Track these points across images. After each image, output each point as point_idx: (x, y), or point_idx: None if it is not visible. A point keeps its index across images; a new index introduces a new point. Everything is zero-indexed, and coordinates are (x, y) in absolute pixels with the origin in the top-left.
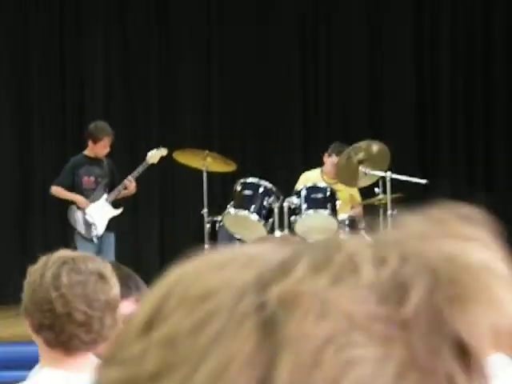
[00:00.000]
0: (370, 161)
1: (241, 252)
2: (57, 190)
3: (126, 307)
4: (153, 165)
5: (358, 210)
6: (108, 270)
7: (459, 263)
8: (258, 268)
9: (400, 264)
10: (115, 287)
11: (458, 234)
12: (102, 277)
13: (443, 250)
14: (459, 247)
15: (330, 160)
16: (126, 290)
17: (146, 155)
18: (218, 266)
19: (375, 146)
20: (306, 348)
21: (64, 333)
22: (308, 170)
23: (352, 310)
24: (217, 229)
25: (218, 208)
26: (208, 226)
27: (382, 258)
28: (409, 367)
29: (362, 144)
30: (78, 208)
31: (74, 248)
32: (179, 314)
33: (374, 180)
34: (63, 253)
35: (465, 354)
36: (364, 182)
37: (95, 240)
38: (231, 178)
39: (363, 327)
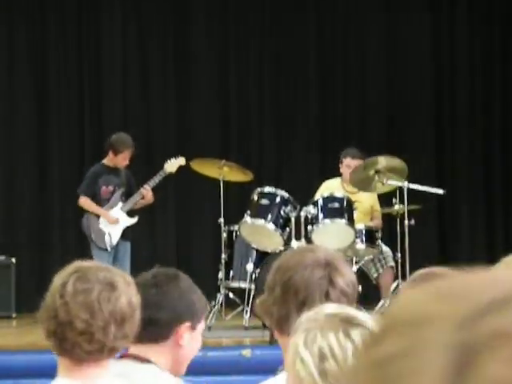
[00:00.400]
0: (388, 172)
1: (466, 282)
2: (86, 202)
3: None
4: (170, 174)
5: (377, 221)
6: (123, 280)
7: None
8: (480, 300)
9: None
10: (126, 297)
11: None
12: (111, 286)
13: None
14: None
15: (345, 163)
16: (205, 300)
17: (163, 165)
18: (441, 295)
19: (393, 161)
20: None
21: (66, 341)
22: (328, 178)
23: None
24: (233, 238)
25: (234, 217)
26: (225, 235)
27: None
28: None
29: (380, 158)
30: (93, 217)
31: (91, 257)
32: (393, 337)
33: (390, 188)
34: (80, 262)
35: None
36: (381, 189)
37: (109, 249)
38: (248, 187)
39: None
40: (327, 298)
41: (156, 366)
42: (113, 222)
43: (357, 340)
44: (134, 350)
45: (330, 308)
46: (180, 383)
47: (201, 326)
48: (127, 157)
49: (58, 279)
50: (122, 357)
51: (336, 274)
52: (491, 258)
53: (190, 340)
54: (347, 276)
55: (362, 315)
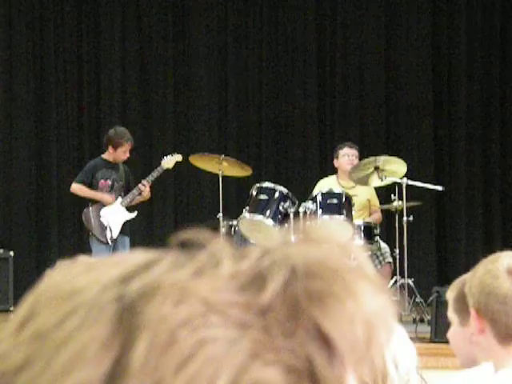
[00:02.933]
0: (387, 169)
1: (111, 257)
2: (79, 188)
3: None
4: (168, 170)
5: (377, 215)
6: None
7: (318, 261)
8: (124, 267)
9: (260, 258)
10: None
11: (320, 240)
12: None
13: (303, 251)
14: (320, 250)
15: (342, 153)
16: None
17: (160, 161)
18: (87, 269)
19: (392, 159)
20: (163, 329)
21: None
22: (325, 175)
23: (210, 296)
24: (232, 233)
25: (233, 212)
26: (223, 230)
27: (243, 254)
28: (264, 348)
29: (380, 156)
30: (94, 210)
31: (89, 251)
32: (48, 311)
33: (387, 183)
34: (85, 258)
35: (326, 340)
36: (377, 182)
37: (110, 243)
38: (247, 182)
39: (220, 312)
40: None
41: None
42: (108, 202)
43: None
44: None
45: None
46: None
47: None
48: (127, 150)
49: None
50: None
51: None
52: (489, 254)
53: None
54: None
55: None
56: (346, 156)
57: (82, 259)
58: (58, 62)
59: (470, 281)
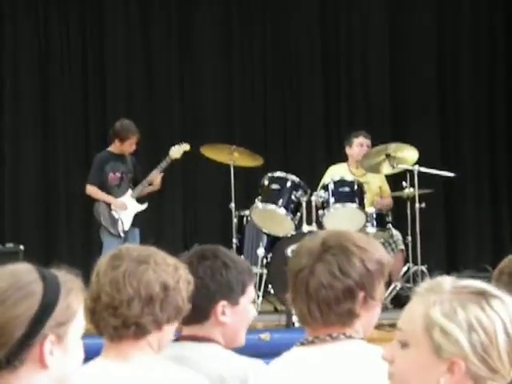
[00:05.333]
0: (398, 157)
1: None
2: (93, 190)
3: (252, 289)
4: (176, 160)
5: (388, 201)
6: (161, 260)
7: None
8: None
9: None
10: (158, 276)
11: None
12: (139, 263)
13: None
14: None
15: (357, 142)
16: (250, 272)
17: (168, 151)
18: None
19: (403, 146)
20: None
21: (95, 315)
22: (333, 164)
23: None
24: (244, 223)
25: (245, 202)
26: (235, 220)
27: None
28: None
29: (391, 144)
30: (105, 203)
31: (99, 244)
32: None
33: (399, 170)
34: (127, 245)
35: None
36: (388, 170)
37: (121, 235)
38: (258, 172)
39: None
40: None
41: (216, 344)
42: (120, 207)
43: (500, 311)
44: (186, 331)
45: (450, 281)
46: (241, 360)
47: (245, 299)
48: (133, 143)
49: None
50: (177, 339)
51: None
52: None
53: (233, 315)
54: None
55: (490, 287)
56: (361, 145)
57: None
58: (62, 54)
59: None
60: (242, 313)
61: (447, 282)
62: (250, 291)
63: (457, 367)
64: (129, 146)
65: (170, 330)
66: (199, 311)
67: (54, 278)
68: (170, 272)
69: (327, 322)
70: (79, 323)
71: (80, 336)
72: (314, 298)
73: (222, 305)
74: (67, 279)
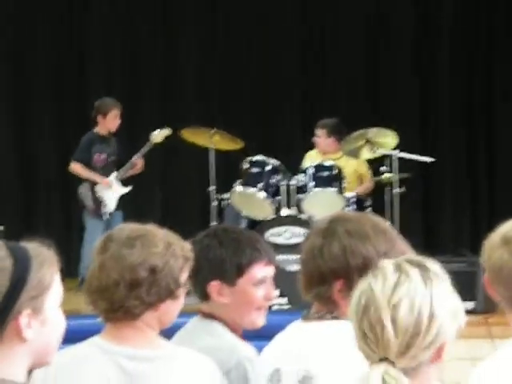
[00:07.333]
0: (378, 142)
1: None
2: (76, 168)
3: (258, 271)
4: (157, 144)
5: (367, 185)
6: (150, 242)
7: None
8: None
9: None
10: (144, 259)
11: None
12: (126, 246)
13: None
14: None
15: (315, 132)
16: (256, 253)
17: (149, 135)
18: None
19: (383, 131)
20: None
21: (89, 297)
22: (311, 149)
23: None
24: (223, 207)
25: (225, 186)
26: (215, 203)
27: None
28: None
29: (370, 129)
30: (89, 185)
31: (80, 225)
32: None
33: (378, 155)
34: (126, 225)
35: None
36: (368, 155)
37: (106, 217)
38: (239, 156)
39: None
40: None
41: (218, 324)
42: (106, 184)
43: None
44: (202, 307)
45: None
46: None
47: (244, 280)
48: (117, 115)
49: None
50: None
51: None
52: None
53: (232, 296)
54: None
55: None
56: (317, 137)
57: None
58: (38, 28)
59: None
60: (241, 294)
61: None
62: (253, 273)
63: None
64: (113, 120)
65: (171, 306)
66: (198, 289)
67: (24, 252)
68: (159, 253)
69: None
70: (56, 294)
71: (58, 304)
72: None
73: (215, 284)
74: (39, 252)
